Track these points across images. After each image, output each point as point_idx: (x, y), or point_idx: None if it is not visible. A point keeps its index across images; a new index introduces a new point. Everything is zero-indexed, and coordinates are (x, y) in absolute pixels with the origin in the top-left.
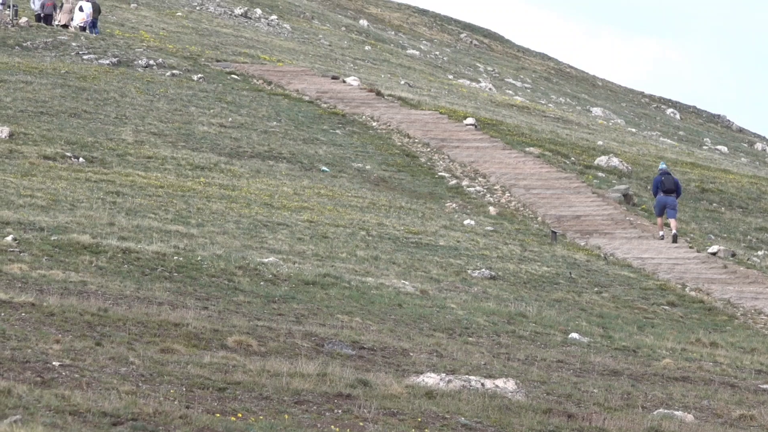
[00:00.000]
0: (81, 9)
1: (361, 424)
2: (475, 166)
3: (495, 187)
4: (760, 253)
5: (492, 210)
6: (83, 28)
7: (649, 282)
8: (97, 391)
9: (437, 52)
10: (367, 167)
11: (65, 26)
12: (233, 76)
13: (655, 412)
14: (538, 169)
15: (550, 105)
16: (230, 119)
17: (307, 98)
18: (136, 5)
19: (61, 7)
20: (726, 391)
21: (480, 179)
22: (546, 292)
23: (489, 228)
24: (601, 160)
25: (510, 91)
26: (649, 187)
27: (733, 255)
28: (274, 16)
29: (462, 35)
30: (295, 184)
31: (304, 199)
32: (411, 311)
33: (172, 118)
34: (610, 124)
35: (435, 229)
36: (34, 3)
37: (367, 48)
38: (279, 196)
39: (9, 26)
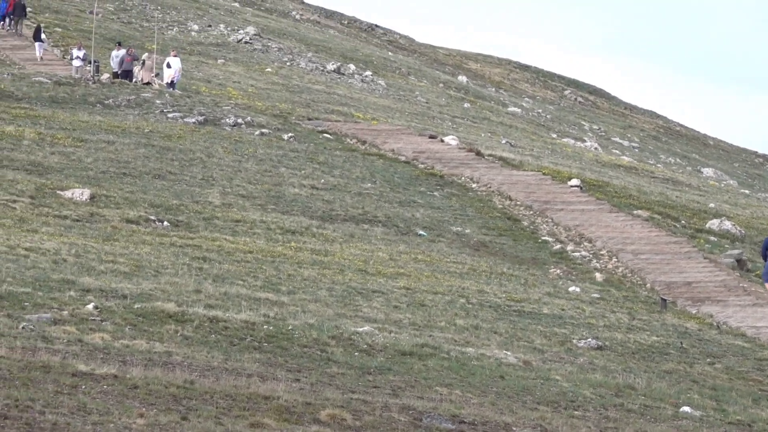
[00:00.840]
0: (168, 65)
1: None
2: (581, 230)
3: (601, 252)
4: None
5: (598, 276)
6: (171, 85)
7: (765, 352)
8: None
9: (540, 110)
10: (467, 231)
11: (147, 83)
12: (325, 135)
13: None
14: (646, 233)
15: (658, 165)
16: (322, 181)
17: (403, 158)
18: (223, 61)
19: (143, 64)
20: None
21: (585, 244)
22: (656, 363)
23: (595, 295)
24: (713, 224)
25: (617, 151)
26: None
27: None
28: (368, 72)
29: (566, 92)
30: (390, 249)
31: (400, 265)
32: (513, 383)
33: (262, 180)
34: (722, 185)
35: (538, 296)
36: (113, 60)
37: (466, 105)
38: (374, 262)
39: (90, 83)
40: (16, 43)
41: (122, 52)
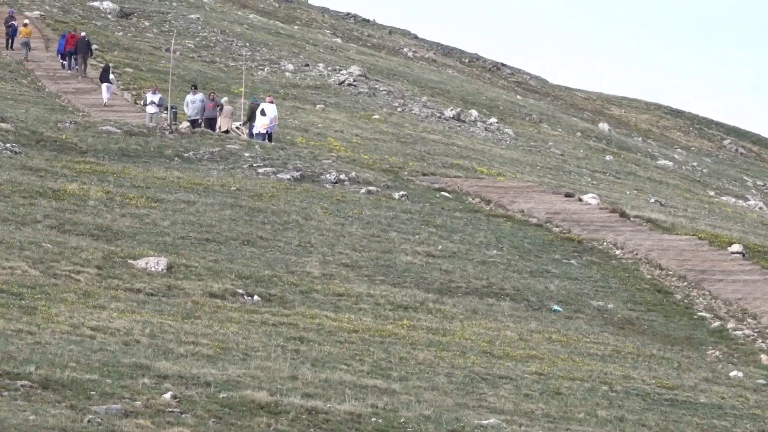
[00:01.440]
0: (263, 112)
1: None
2: (743, 304)
3: None
4: None
5: (764, 358)
6: (266, 136)
7: None
8: None
9: (695, 163)
10: (610, 306)
11: (226, 132)
12: (443, 193)
13: None
14: None
15: None
16: (440, 247)
17: (534, 220)
18: (323, 106)
19: (221, 109)
20: None
21: (749, 320)
22: None
23: (761, 381)
24: None
25: None
26: None
27: None
28: (493, 119)
29: (725, 141)
30: (520, 327)
31: (531, 346)
32: None
33: (368, 246)
34: None
35: (694, 382)
36: (188, 106)
37: (608, 158)
38: (501, 343)
39: (167, 132)
40: (79, 86)
41: (199, 96)
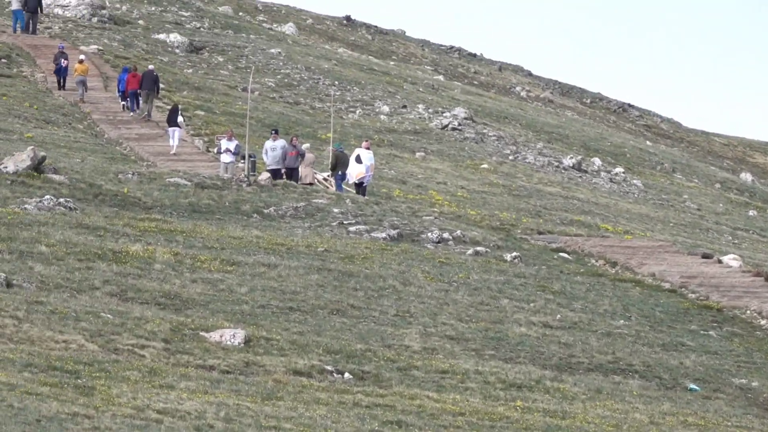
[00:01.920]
0: (359, 160)
1: None
2: None
3: None
4: None
5: None
6: (359, 187)
7: None
8: None
9: None
10: (754, 384)
11: (309, 184)
12: (562, 254)
13: None
14: None
15: None
16: (558, 316)
17: (667, 285)
18: (423, 154)
19: (302, 157)
20: None
21: None
22: None
23: None
24: None
25: None
26: None
27: None
28: (618, 169)
29: None
30: (651, 408)
31: (663, 430)
32: None
33: (476, 316)
34: None
35: None
36: (267, 153)
37: (751, 213)
38: (629, 427)
39: (244, 185)
40: (143, 132)
41: (280, 143)
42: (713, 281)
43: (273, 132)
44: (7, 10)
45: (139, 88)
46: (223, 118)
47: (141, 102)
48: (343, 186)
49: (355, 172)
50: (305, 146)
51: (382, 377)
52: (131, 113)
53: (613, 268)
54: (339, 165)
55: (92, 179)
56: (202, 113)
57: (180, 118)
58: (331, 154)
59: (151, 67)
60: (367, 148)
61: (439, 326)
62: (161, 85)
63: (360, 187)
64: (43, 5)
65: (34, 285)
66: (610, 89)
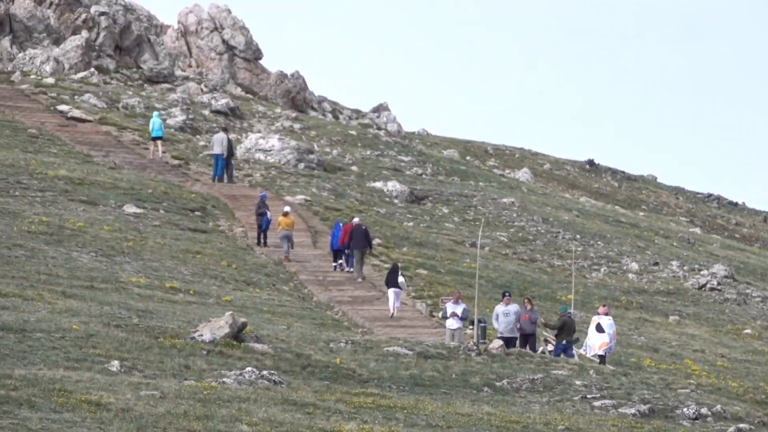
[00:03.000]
0: (599, 328)
1: None
2: None
3: None
4: None
5: None
6: (602, 358)
7: None
8: None
9: None
10: None
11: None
12: None
13: None
14: None
15: None
16: None
17: None
18: (677, 317)
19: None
20: None
21: None
22: None
23: None
24: None
25: None
26: None
27: None
28: None
29: None
30: None
31: None
32: None
33: None
34: None
35: None
36: (498, 319)
37: None
38: None
39: (473, 353)
40: (358, 293)
41: (513, 307)
42: None
43: (505, 294)
44: (203, 154)
45: (348, 243)
46: (449, 278)
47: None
48: (583, 354)
49: (597, 342)
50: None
51: None
52: (343, 272)
53: None
54: (564, 332)
55: (300, 348)
56: (425, 272)
57: (400, 278)
58: (556, 318)
59: (357, 219)
60: (606, 314)
61: None
62: (377, 240)
63: (602, 358)
64: (237, 150)
65: None
66: None
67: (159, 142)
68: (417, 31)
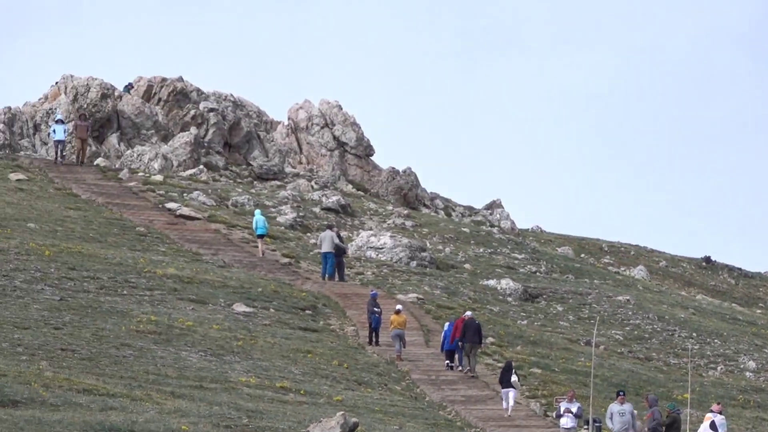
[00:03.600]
0: (713, 426)
1: None
2: None
3: None
4: None
5: None
6: None
7: None
8: None
9: None
10: None
11: None
12: None
13: None
14: None
15: None
16: None
17: None
18: None
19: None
20: None
21: None
22: None
23: None
24: None
25: None
26: None
27: None
28: None
29: None
30: None
31: None
32: None
33: None
34: None
35: None
36: (612, 418)
37: None
38: None
39: None
40: (471, 393)
41: (628, 407)
42: None
43: (620, 393)
44: (314, 252)
45: (461, 339)
46: (563, 377)
47: (463, 355)
48: None
49: None
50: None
51: None
52: (456, 370)
53: None
54: (674, 429)
55: None
56: (539, 371)
57: (514, 377)
58: (664, 414)
59: (469, 313)
60: (720, 412)
61: None
62: (490, 339)
63: None
64: (348, 247)
65: None
66: None
67: (262, 240)
68: (529, 131)
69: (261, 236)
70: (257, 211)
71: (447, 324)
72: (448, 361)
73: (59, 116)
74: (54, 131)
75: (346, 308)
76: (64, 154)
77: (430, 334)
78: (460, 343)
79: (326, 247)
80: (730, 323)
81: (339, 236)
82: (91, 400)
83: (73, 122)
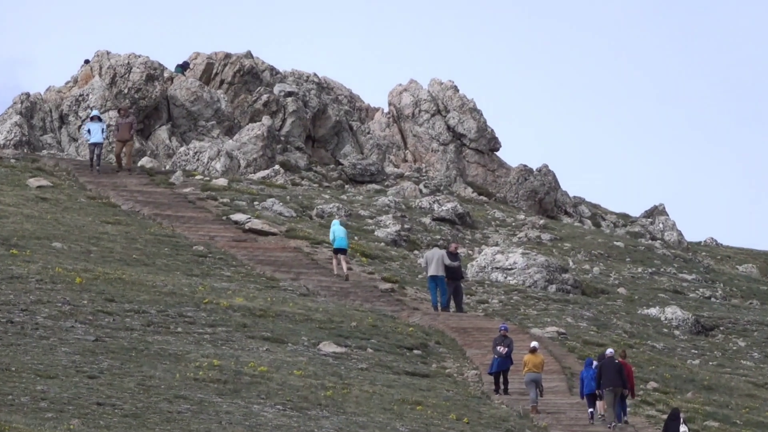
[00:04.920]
0: None
1: None
2: None
3: None
4: None
5: None
6: None
7: None
8: None
9: None
10: None
11: None
12: None
13: None
14: None
15: None
16: None
17: None
18: None
19: None
20: None
21: None
22: None
23: None
24: None
25: None
26: None
27: None
28: None
29: None
30: None
31: None
32: None
33: None
34: None
35: None
36: None
37: None
38: None
39: None
40: None
41: None
42: None
43: None
44: (422, 275)
45: (599, 384)
46: (746, 430)
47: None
48: None
49: None
50: None
51: None
52: (600, 421)
53: None
54: None
55: None
56: (716, 424)
57: (683, 428)
58: None
59: (610, 351)
60: None
61: None
62: (651, 384)
63: None
64: (466, 269)
65: None
66: None
67: (345, 257)
68: (698, 118)
69: (340, 251)
70: (335, 221)
71: (593, 362)
72: (591, 410)
73: (96, 112)
74: (89, 131)
75: (465, 347)
76: (101, 159)
77: (574, 378)
78: (597, 392)
79: (434, 270)
80: None
81: (456, 254)
82: None
83: (114, 120)
